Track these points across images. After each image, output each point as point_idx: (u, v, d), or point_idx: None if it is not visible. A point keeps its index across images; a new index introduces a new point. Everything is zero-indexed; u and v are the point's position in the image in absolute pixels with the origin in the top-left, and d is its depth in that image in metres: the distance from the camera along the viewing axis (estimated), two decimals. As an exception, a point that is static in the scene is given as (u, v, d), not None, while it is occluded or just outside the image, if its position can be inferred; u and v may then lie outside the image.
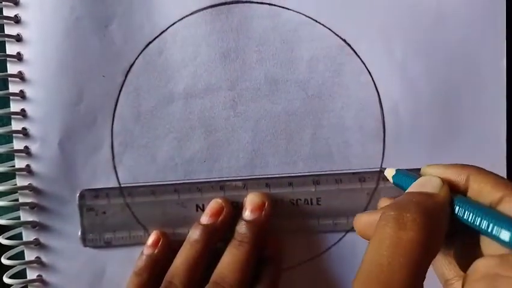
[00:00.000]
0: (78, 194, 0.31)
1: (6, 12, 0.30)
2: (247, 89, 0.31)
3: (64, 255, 0.31)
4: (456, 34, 0.30)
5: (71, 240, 0.31)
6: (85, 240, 0.31)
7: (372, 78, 0.30)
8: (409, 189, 0.21)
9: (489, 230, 0.18)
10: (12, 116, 0.30)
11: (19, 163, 0.30)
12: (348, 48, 0.30)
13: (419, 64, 0.30)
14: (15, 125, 0.30)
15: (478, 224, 0.18)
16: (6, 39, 0.30)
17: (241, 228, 0.29)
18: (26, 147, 0.30)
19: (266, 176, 0.31)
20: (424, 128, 0.30)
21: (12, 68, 0.30)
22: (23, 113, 0.30)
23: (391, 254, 0.17)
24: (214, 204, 0.30)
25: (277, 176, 0.31)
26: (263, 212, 0.30)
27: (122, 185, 0.31)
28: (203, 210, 0.31)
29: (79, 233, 0.31)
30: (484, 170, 0.20)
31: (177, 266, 0.29)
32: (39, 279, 0.31)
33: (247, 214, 0.30)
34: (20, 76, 0.30)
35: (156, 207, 0.31)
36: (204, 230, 0.29)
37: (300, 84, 0.30)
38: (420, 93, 0.30)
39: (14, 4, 0.30)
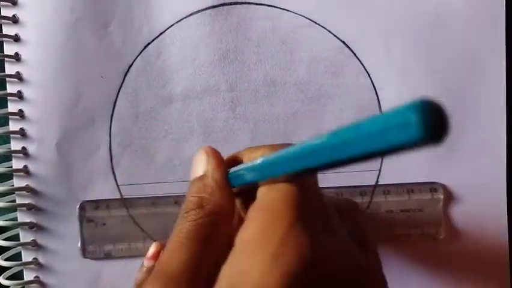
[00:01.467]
0: (78, 205, 0.30)
1: (4, 12, 0.30)
2: (246, 91, 0.30)
3: (61, 257, 0.31)
4: (455, 35, 0.30)
5: (68, 242, 0.31)
6: (84, 252, 0.31)
7: (372, 80, 0.30)
8: (190, 176, 0.23)
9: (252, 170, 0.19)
10: (9, 117, 0.30)
11: (16, 164, 0.30)
12: (347, 50, 0.30)
13: (418, 66, 0.30)
14: (13, 126, 0.30)
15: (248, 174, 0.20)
16: (4, 39, 0.30)
17: None
18: (23, 148, 0.30)
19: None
20: (423, 130, 0.30)
21: (10, 69, 0.30)
22: (20, 114, 0.30)
23: (171, 242, 0.20)
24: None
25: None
26: None
27: (123, 196, 0.31)
28: None
29: (79, 244, 0.31)
30: (255, 146, 0.22)
31: None
32: (37, 280, 0.31)
33: None
34: (18, 76, 0.30)
35: (156, 219, 0.31)
36: None
37: (299, 85, 0.30)
38: (418, 95, 0.30)
39: (12, 4, 0.30)
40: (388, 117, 0.12)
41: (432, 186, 0.30)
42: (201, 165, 0.22)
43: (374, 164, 0.31)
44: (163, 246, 0.30)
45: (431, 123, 0.11)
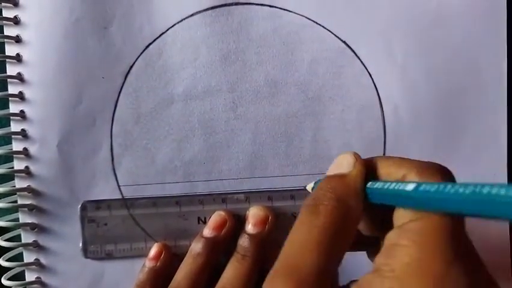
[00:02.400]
0: (80, 206, 0.30)
1: (5, 13, 0.30)
2: (247, 91, 0.30)
3: (63, 257, 0.31)
4: (456, 35, 0.30)
5: (70, 242, 0.31)
6: (86, 252, 0.31)
7: (373, 80, 0.30)
8: (328, 171, 0.22)
9: (395, 191, 0.18)
10: (11, 118, 0.30)
11: (18, 165, 0.30)
12: (349, 50, 0.30)
13: (419, 66, 0.30)
14: (14, 127, 0.30)
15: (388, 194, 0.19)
16: (5, 40, 0.30)
17: (244, 241, 0.29)
18: (25, 148, 0.30)
19: (268, 189, 0.31)
20: (425, 130, 0.30)
21: (11, 69, 0.30)
22: (22, 115, 0.30)
23: (303, 239, 0.18)
24: (217, 217, 0.30)
25: (279, 189, 0.31)
26: (266, 226, 0.29)
27: (124, 197, 0.31)
28: (205, 222, 0.30)
29: (80, 245, 0.31)
30: (390, 156, 0.21)
31: (179, 280, 0.28)
32: (38, 281, 0.31)
33: (250, 228, 0.29)
34: (19, 77, 0.30)
35: (157, 219, 0.31)
36: (207, 243, 0.29)
37: (300, 86, 0.30)
38: (420, 95, 0.30)
39: (14, 5, 0.30)
40: None
41: (433, 186, 0.30)
42: (345, 165, 0.21)
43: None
44: (164, 246, 0.30)
45: None
